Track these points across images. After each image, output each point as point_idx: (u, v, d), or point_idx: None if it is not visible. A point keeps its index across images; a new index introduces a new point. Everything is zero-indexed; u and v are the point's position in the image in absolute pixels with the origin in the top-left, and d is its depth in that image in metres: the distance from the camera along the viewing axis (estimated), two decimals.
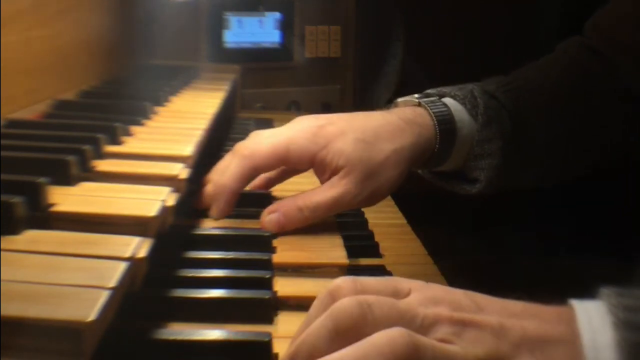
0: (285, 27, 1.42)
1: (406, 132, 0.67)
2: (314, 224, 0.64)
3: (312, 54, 1.46)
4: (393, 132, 0.66)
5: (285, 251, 0.59)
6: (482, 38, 1.27)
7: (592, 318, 0.40)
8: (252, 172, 0.64)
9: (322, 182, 0.65)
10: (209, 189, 0.66)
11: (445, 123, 0.69)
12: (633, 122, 0.78)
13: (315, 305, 0.42)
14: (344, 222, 0.69)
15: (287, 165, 0.67)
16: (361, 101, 1.47)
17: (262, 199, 0.68)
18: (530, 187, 0.80)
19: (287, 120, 0.68)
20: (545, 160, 0.78)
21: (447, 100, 0.72)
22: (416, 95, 0.73)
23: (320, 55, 1.47)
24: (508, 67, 0.81)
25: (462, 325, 0.39)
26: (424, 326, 0.39)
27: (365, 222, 0.74)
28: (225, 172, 0.63)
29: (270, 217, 0.62)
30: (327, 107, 1.48)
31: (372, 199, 0.66)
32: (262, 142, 0.64)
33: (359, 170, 0.63)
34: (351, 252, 0.60)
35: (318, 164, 0.64)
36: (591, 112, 0.78)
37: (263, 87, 1.42)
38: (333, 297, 0.41)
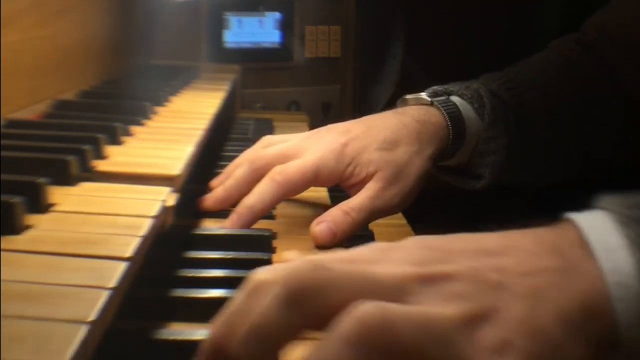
0: (285, 27, 1.43)
1: (423, 134, 0.69)
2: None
3: (312, 54, 1.46)
4: (410, 134, 0.68)
5: (285, 251, 0.59)
6: (482, 38, 1.27)
7: (595, 222, 0.36)
8: (282, 198, 0.64)
9: (353, 193, 0.66)
10: (219, 192, 0.66)
11: (456, 122, 0.72)
12: (630, 122, 0.78)
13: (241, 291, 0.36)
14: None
15: (314, 185, 0.68)
16: (361, 101, 1.47)
17: None
18: (532, 184, 0.81)
19: (287, 120, 0.69)
20: (547, 158, 0.79)
21: (455, 99, 0.75)
22: (424, 94, 0.75)
23: (320, 55, 1.47)
24: (508, 66, 0.81)
25: (431, 281, 0.35)
26: (390, 292, 0.35)
27: None
28: (256, 193, 0.63)
29: (320, 226, 0.62)
30: (327, 107, 1.48)
31: (405, 198, 0.67)
32: (293, 168, 0.64)
33: (388, 172, 0.65)
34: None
35: (346, 180, 0.66)
36: (589, 112, 0.79)
37: (263, 87, 1.42)
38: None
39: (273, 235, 0.61)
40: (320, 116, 1.46)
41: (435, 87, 0.76)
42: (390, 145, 0.67)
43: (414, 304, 0.34)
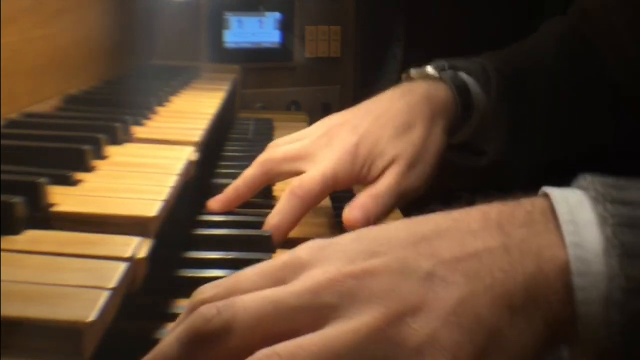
0: (285, 27, 1.43)
1: (434, 110, 0.68)
2: (313, 224, 0.65)
3: (312, 54, 1.46)
4: (422, 114, 0.67)
5: (285, 251, 0.59)
6: (483, 38, 1.27)
7: (568, 197, 0.35)
8: (305, 211, 0.63)
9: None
10: (229, 192, 0.66)
11: (464, 97, 0.72)
12: (615, 103, 0.79)
13: (179, 317, 0.38)
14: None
15: (333, 191, 0.66)
16: (361, 101, 1.47)
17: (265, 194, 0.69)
18: (530, 163, 0.81)
19: (287, 120, 0.69)
20: (545, 134, 0.79)
21: (461, 74, 0.74)
22: (429, 68, 0.74)
23: (320, 55, 1.47)
24: None
25: (353, 279, 0.34)
26: (301, 312, 0.34)
27: None
28: (279, 211, 0.62)
29: (353, 213, 0.60)
30: (327, 107, 1.48)
31: (428, 177, 0.66)
32: (311, 179, 0.62)
33: (406, 156, 0.64)
34: None
35: (363, 179, 0.65)
36: (580, 91, 0.79)
37: (263, 87, 1.42)
38: (193, 309, 0.36)
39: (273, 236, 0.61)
40: (320, 116, 1.46)
41: (439, 61, 0.76)
42: (403, 130, 0.66)
43: (329, 319, 0.34)
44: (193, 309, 0.37)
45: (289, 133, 0.72)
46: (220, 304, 0.35)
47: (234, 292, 0.37)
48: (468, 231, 0.35)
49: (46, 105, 0.75)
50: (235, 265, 0.54)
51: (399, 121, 0.66)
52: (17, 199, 0.42)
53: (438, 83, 0.72)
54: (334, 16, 1.47)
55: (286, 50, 1.44)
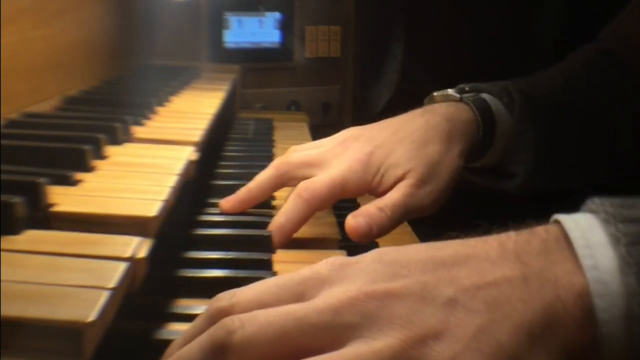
0: (285, 27, 1.43)
1: (452, 132, 0.68)
2: (313, 224, 0.64)
3: (312, 54, 1.46)
4: (440, 134, 0.67)
5: (286, 251, 0.59)
6: (483, 38, 1.27)
7: (579, 221, 0.35)
8: (312, 214, 0.63)
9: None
10: (241, 193, 0.66)
11: (487, 118, 0.71)
12: None
13: (195, 322, 0.39)
14: (344, 222, 0.69)
15: (342, 197, 0.66)
16: (361, 101, 1.47)
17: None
18: (564, 186, 0.79)
19: (287, 120, 0.69)
20: (575, 157, 0.78)
21: (484, 95, 0.74)
22: (452, 90, 0.74)
23: (320, 55, 1.47)
24: (508, 67, 0.81)
25: (375, 299, 0.35)
26: (322, 330, 0.35)
27: None
28: (285, 212, 0.62)
29: (357, 220, 0.60)
30: (327, 107, 1.48)
31: (438, 198, 0.65)
32: (320, 183, 0.62)
33: (419, 171, 0.63)
34: (351, 252, 0.60)
35: (374, 189, 0.64)
36: (612, 111, 0.78)
37: (263, 87, 1.42)
38: (213, 318, 0.37)
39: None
40: (320, 116, 1.47)
41: (462, 85, 0.75)
42: (419, 144, 0.65)
43: (350, 339, 0.34)
44: (212, 316, 0.38)
45: (289, 133, 0.72)
46: (243, 316, 0.36)
47: (254, 304, 0.38)
48: (487, 260, 0.36)
49: (46, 105, 0.75)
50: (235, 265, 0.54)
51: (416, 137, 0.66)
52: (17, 199, 0.42)
53: (459, 105, 0.71)
54: (334, 16, 1.47)
55: (286, 50, 1.44)
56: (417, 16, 1.34)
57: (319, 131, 1.15)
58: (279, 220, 0.61)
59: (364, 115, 1.47)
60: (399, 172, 0.63)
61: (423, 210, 0.64)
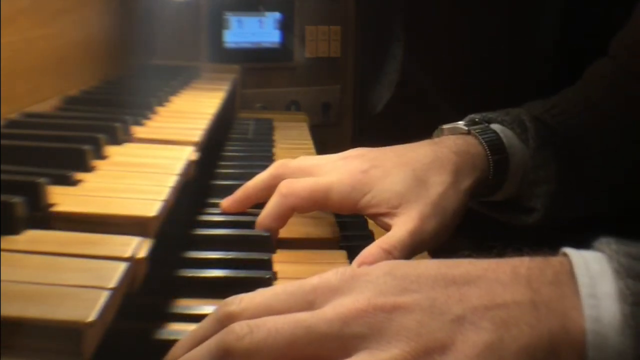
0: (285, 27, 1.43)
1: (459, 165, 0.64)
2: (313, 224, 0.65)
3: (312, 54, 1.46)
4: (445, 166, 0.63)
5: (283, 251, 0.59)
6: (483, 38, 1.27)
7: (589, 264, 0.35)
8: (289, 212, 0.61)
9: (382, 226, 0.62)
10: (238, 194, 0.66)
11: (497, 151, 0.67)
12: None
13: (202, 324, 0.40)
14: (344, 222, 0.69)
15: (327, 209, 0.65)
16: (361, 101, 1.47)
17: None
18: (585, 214, 0.75)
19: (287, 120, 0.68)
20: (600, 185, 0.74)
21: (495, 126, 0.70)
22: (462, 123, 0.70)
23: (320, 55, 1.47)
24: (508, 67, 0.81)
25: (384, 312, 0.35)
26: (330, 339, 0.35)
27: (365, 222, 0.73)
28: (265, 207, 0.62)
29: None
30: (327, 107, 1.48)
31: (441, 234, 0.60)
32: (302, 183, 0.62)
33: (421, 204, 0.59)
34: (351, 252, 0.60)
35: (363, 210, 0.61)
36: (634, 134, 0.74)
37: (263, 87, 1.43)
38: (221, 322, 0.38)
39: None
40: (320, 116, 1.47)
41: (472, 115, 0.72)
42: (420, 173, 0.61)
43: (357, 349, 0.35)
44: (221, 320, 0.38)
45: (289, 133, 0.72)
46: (252, 322, 0.36)
47: (263, 310, 0.38)
48: (498, 282, 0.36)
49: (46, 105, 0.75)
50: (235, 265, 0.54)
51: (419, 165, 0.62)
52: (17, 199, 0.42)
53: (468, 138, 0.68)
54: (334, 16, 1.47)
55: (286, 50, 1.44)
56: (417, 16, 1.34)
57: (319, 131, 1.15)
58: (260, 217, 0.61)
59: (364, 115, 1.48)
60: (393, 201, 0.59)
61: (425, 247, 0.60)
